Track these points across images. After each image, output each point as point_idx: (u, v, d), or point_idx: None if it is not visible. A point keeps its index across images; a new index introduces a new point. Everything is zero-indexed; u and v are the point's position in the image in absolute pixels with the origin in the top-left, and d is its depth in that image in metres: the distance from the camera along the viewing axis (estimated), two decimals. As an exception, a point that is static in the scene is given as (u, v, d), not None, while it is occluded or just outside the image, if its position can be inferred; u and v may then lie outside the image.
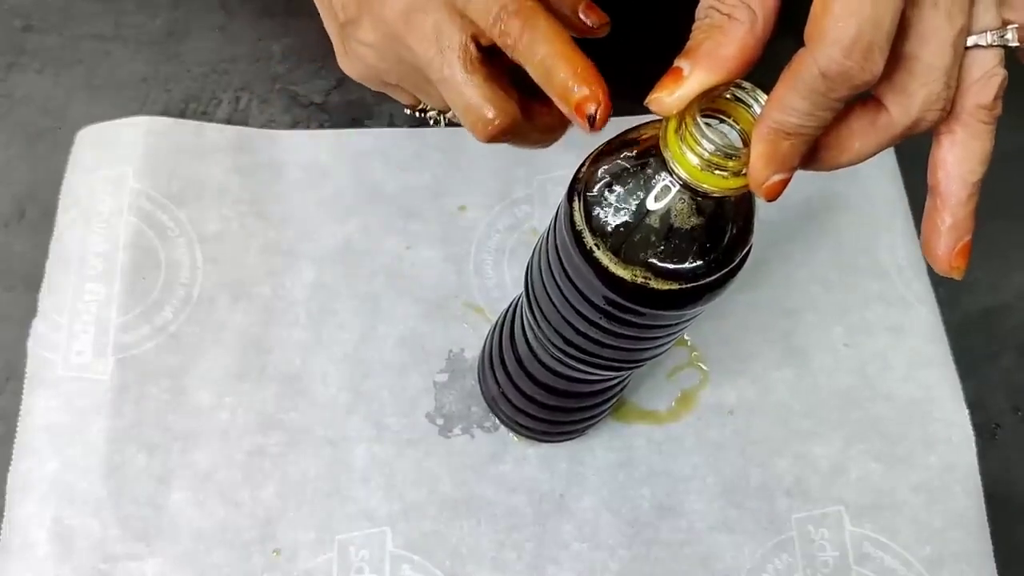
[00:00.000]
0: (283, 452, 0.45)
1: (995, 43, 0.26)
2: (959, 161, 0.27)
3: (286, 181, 0.51)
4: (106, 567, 0.42)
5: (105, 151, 0.50)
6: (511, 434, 0.46)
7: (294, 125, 0.53)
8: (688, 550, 0.45)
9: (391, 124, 0.54)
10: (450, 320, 0.49)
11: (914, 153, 0.35)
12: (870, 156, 0.27)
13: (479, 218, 0.52)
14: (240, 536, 0.43)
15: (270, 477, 0.44)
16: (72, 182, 0.50)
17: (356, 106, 0.54)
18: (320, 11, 0.38)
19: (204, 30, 0.56)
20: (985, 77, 0.26)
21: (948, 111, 0.26)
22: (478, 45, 0.32)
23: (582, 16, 0.34)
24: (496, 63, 0.33)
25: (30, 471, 0.43)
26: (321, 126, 0.53)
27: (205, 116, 0.53)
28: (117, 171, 0.50)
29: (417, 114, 0.40)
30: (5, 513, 0.43)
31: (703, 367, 0.49)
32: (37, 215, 0.49)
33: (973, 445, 0.47)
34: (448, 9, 0.32)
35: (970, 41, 0.26)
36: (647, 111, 0.27)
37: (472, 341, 0.48)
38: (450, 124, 0.39)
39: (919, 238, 0.51)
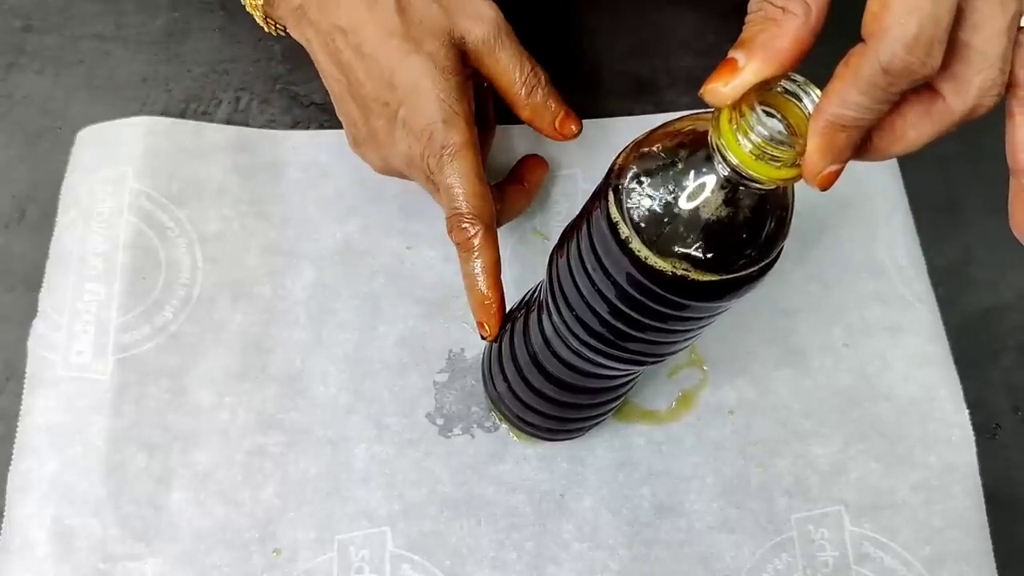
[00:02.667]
0: (283, 452, 0.45)
1: None
2: None
3: (286, 181, 0.51)
4: (106, 567, 0.42)
5: (105, 151, 0.50)
6: (511, 434, 0.46)
7: (294, 125, 0.53)
8: (688, 550, 0.45)
9: (391, 124, 0.54)
10: (450, 320, 0.49)
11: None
12: (925, 144, 0.27)
13: (479, 218, 0.51)
14: (240, 536, 0.43)
15: (270, 477, 0.44)
16: (72, 182, 0.50)
17: (356, 106, 0.54)
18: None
19: (204, 30, 0.56)
20: None
21: (1002, 95, 0.26)
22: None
23: (558, 128, 0.44)
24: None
25: (30, 471, 0.43)
26: (321, 126, 0.53)
27: (205, 116, 0.53)
28: (117, 171, 0.50)
29: None
30: (5, 513, 0.43)
31: (703, 367, 0.49)
32: (37, 215, 0.49)
33: (973, 445, 0.47)
34: (426, 180, 0.43)
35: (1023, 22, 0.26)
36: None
37: (472, 341, 0.48)
38: None
39: (915, 235, 0.52)
